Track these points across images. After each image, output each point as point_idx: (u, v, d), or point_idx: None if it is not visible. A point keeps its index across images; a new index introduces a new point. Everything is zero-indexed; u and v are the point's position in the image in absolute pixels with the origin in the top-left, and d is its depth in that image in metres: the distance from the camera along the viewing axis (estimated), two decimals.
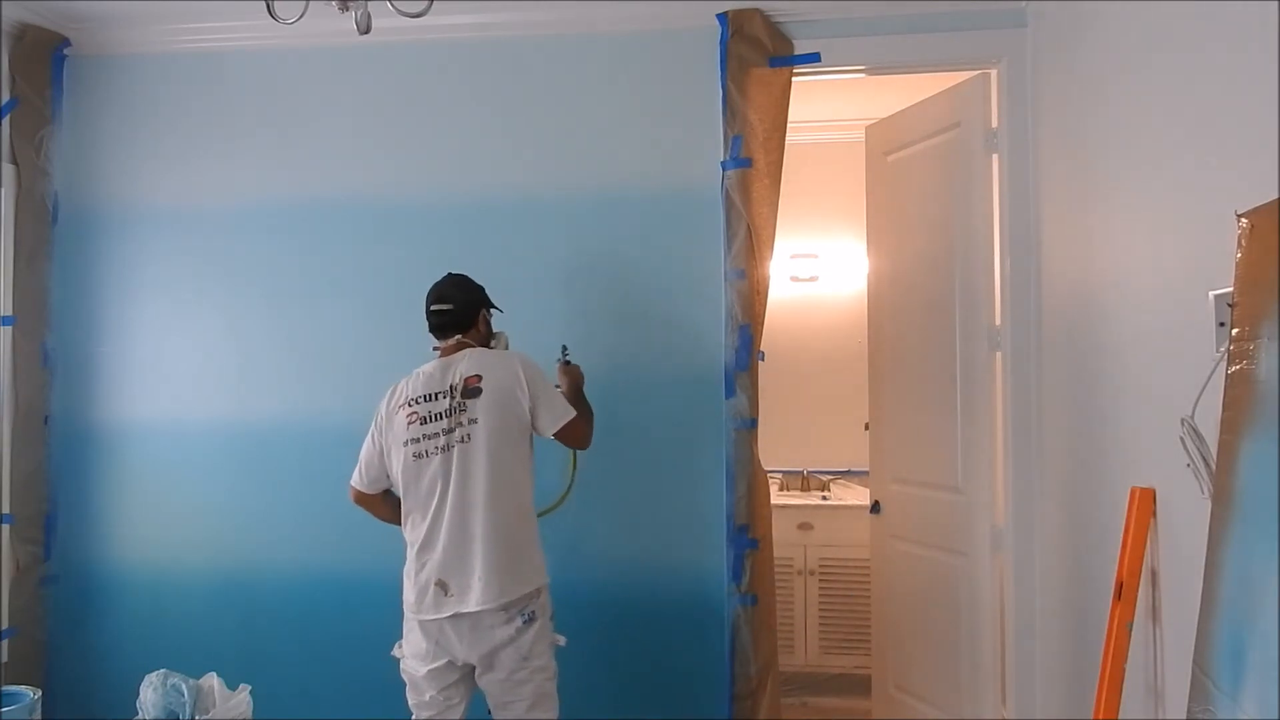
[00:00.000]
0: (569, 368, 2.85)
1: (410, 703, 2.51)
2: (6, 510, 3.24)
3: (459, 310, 2.62)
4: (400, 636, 2.54)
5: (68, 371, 3.41)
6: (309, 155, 3.38)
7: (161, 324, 3.41)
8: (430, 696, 2.46)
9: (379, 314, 3.32)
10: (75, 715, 3.30)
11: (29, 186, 3.33)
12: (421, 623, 2.44)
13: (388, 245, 3.33)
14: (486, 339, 2.68)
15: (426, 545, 2.45)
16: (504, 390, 2.46)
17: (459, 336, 2.61)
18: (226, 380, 3.37)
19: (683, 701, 3.14)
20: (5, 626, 3.18)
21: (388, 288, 3.32)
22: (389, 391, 2.59)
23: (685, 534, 3.18)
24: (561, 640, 2.53)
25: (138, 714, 2.74)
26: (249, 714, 2.79)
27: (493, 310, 2.74)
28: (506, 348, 2.74)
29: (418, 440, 2.47)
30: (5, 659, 3.19)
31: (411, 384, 2.54)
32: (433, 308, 2.63)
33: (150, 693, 2.72)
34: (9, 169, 3.30)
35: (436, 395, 2.49)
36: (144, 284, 3.42)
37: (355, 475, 2.62)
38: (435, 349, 2.64)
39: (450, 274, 2.70)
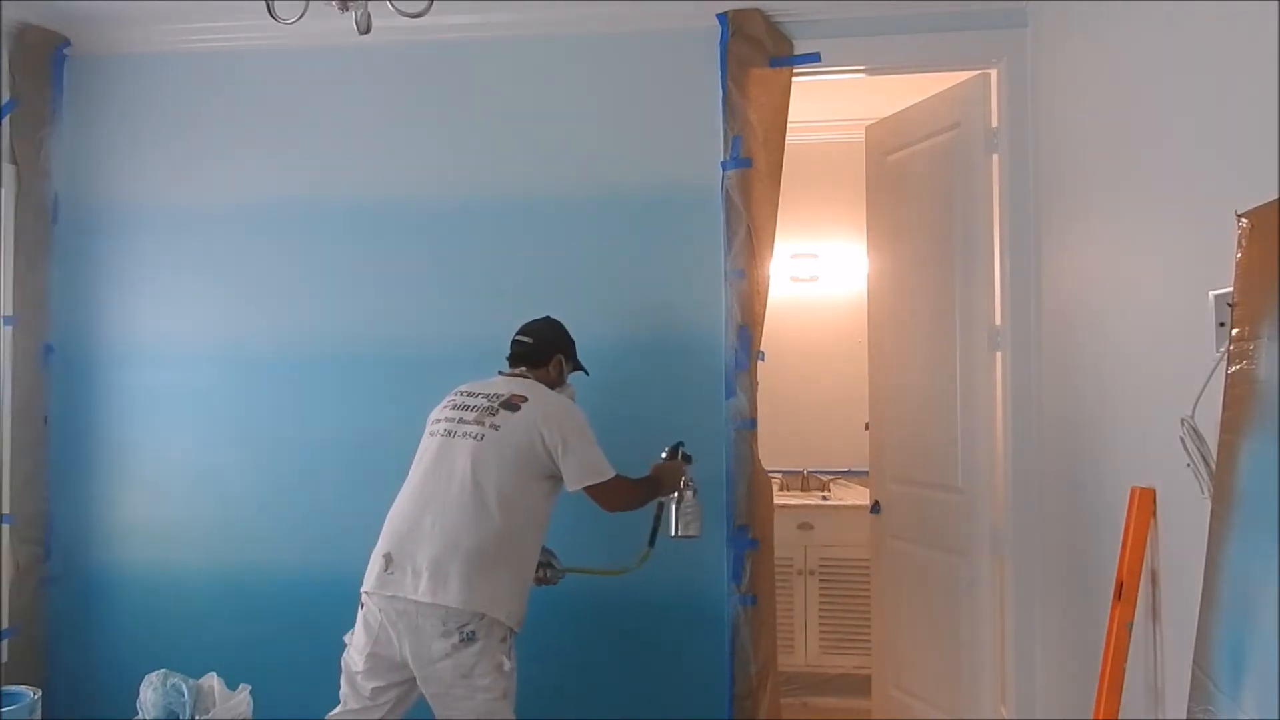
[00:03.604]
0: (667, 463, 2.76)
1: (340, 694, 2.47)
2: (6, 510, 3.24)
3: (536, 346, 2.67)
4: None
5: (68, 371, 3.41)
6: (309, 155, 3.38)
7: (161, 324, 3.40)
8: (359, 686, 2.43)
9: (380, 314, 3.32)
10: (75, 715, 3.30)
11: (29, 186, 3.32)
12: (365, 613, 2.43)
13: (387, 245, 3.32)
14: (554, 384, 2.68)
15: (395, 514, 2.47)
16: (540, 421, 2.46)
17: (525, 369, 2.65)
18: (226, 380, 3.37)
19: (683, 701, 3.14)
20: (5, 626, 3.18)
21: (388, 287, 3.32)
22: None
23: None
24: (507, 665, 2.38)
25: (138, 714, 2.74)
26: (249, 714, 2.80)
27: (572, 368, 2.77)
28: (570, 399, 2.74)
29: (439, 421, 2.54)
30: (5, 659, 3.19)
31: (467, 385, 2.61)
32: (515, 336, 2.70)
33: (150, 693, 2.73)
34: (9, 169, 3.30)
35: (479, 394, 2.54)
36: (144, 284, 3.42)
37: None
38: (500, 373, 2.68)
39: (548, 316, 2.76)
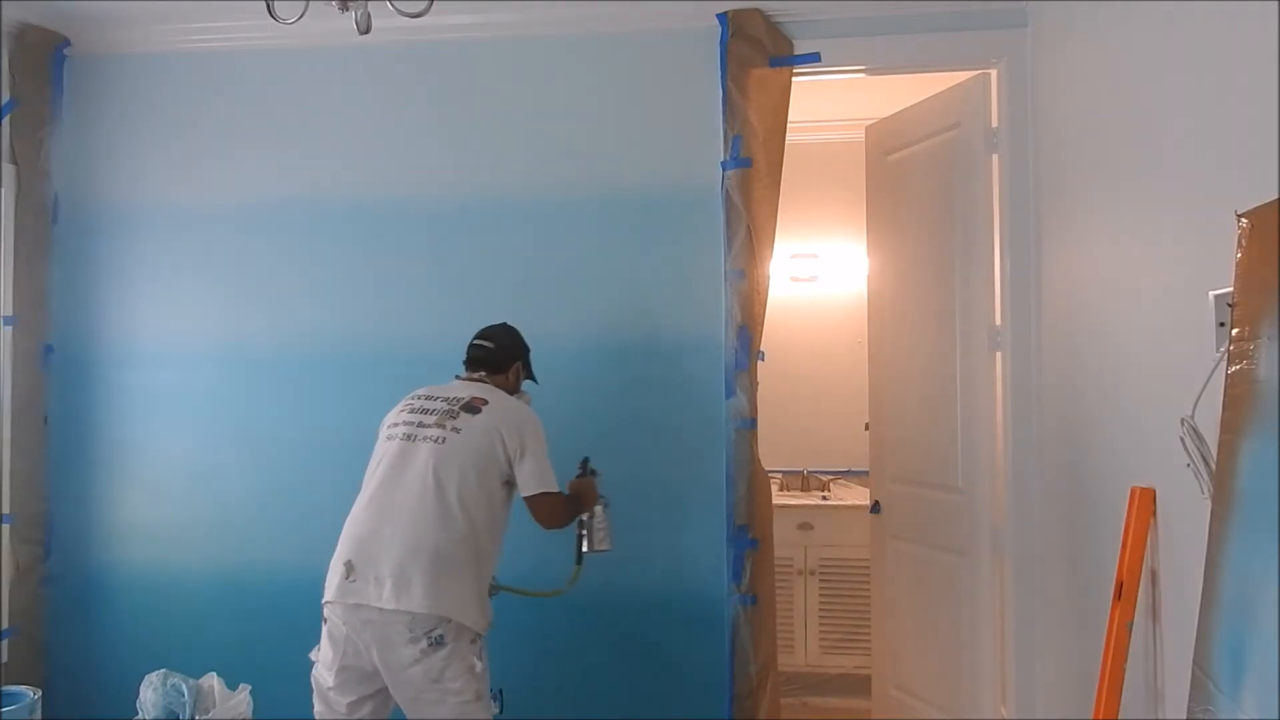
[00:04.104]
0: (583, 480, 2.72)
1: (315, 712, 2.42)
2: (6, 510, 3.24)
3: (496, 351, 2.65)
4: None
5: (68, 371, 3.41)
6: (309, 155, 3.38)
7: (161, 324, 3.40)
8: (333, 702, 2.36)
9: (380, 314, 3.32)
10: (75, 715, 3.30)
11: (29, 186, 3.32)
12: (329, 627, 2.36)
13: (387, 245, 3.33)
14: (511, 391, 2.67)
15: (354, 520, 2.43)
16: (501, 424, 2.44)
17: (485, 374, 2.63)
18: (226, 380, 3.37)
19: (683, 701, 3.14)
20: (5, 626, 3.18)
21: (388, 287, 3.32)
22: None
23: (685, 534, 3.18)
24: (479, 666, 2.35)
25: (138, 714, 2.74)
26: (249, 714, 2.80)
27: (525, 376, 2.75)
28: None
29: (397, 425, 2.49)
30: (5, 659, 3.19)
31: (424, 390, 2.57)
32: (474, 341, 2.67)
33: (150, 693, 2.73)
34: (9, 169, 3.30)
35: (437, 398, 2.51)
36: (144, 284, 3.42)
37: None
38: (457, 377, 2.65)
39: (505, 323, 2.75)
